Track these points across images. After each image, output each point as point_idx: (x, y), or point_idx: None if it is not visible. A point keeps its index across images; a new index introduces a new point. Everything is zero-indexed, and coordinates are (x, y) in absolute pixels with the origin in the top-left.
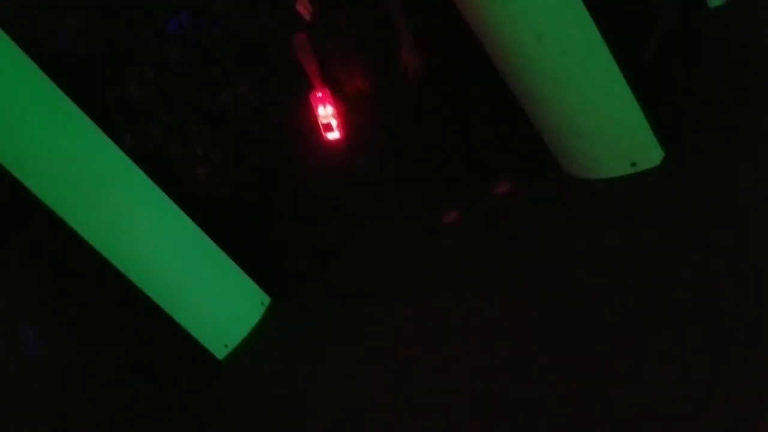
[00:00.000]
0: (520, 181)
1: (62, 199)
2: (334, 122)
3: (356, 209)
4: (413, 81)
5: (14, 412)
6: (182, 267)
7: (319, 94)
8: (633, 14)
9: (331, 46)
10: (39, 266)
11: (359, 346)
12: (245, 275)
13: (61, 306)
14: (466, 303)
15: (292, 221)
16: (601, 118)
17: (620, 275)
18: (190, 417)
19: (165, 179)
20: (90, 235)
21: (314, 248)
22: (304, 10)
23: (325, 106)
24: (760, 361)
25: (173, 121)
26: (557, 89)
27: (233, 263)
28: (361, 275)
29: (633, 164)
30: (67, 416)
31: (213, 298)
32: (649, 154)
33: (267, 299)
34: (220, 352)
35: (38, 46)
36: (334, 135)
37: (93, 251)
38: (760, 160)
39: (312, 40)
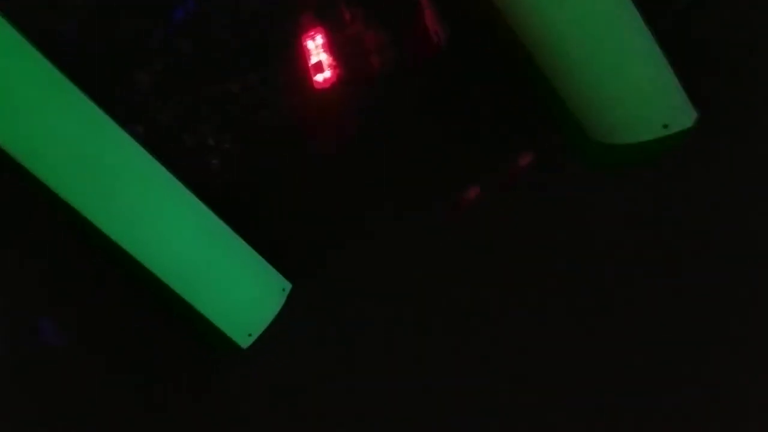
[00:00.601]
0: (518, 179)
1: (80, 193)
2: (324, 58)
3: (356, 208)
4: (439, 49)
5: (13, 412)
6: (204, 256)
7: (311, 33)
8: None
9: (342, 24)
10: (39, 266)
11: (359, 345)
12: (265, 261)
13: (61, 306)
14: (466, 302)
15: (290, 219)
16: (631, 79)
17: (619, 275)
18: (190, 417)
19: (178, 168)
20: (112, 231)
21: (313, 246)
22: None
23: (315, 41)
24: (760, 361)
25: (185, 110)
26: (584, 53)
27: (252, 249)
28: (361, 275)
29: (665, 126)
30: (67, 416)
31: (235, 286)
32: (682, 115)
33: (288, 285)
34: (245, 341)
35: (46, 38)
36: (324, 76)
37: (104, 248)
38: (760, 160)
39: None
